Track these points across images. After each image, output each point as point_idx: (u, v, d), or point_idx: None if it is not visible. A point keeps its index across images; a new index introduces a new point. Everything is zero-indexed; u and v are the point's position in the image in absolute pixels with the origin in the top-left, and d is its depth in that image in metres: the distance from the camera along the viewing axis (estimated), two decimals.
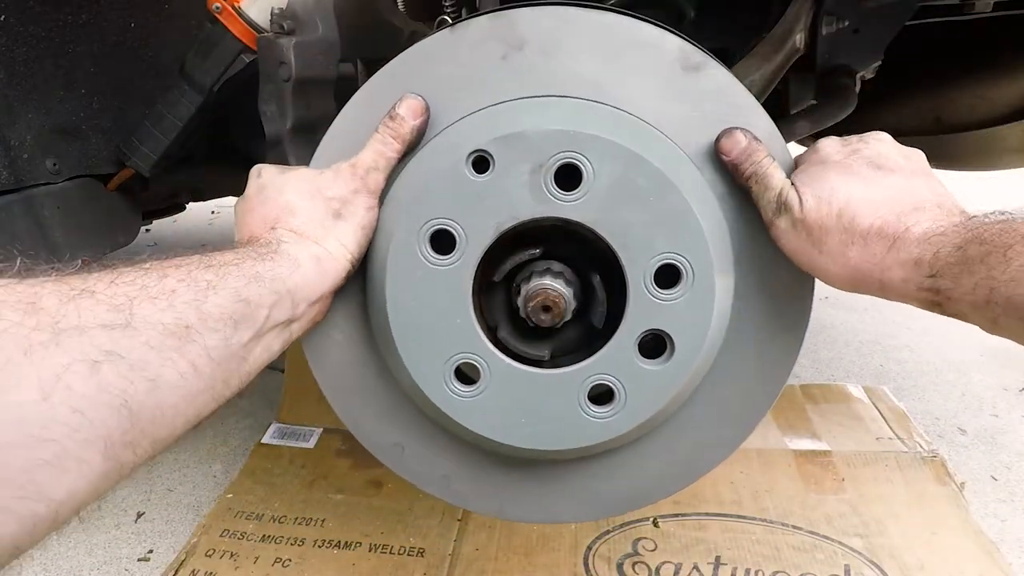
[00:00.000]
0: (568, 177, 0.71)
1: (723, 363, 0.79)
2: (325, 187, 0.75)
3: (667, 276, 0.72)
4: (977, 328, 0.65)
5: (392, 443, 0.86)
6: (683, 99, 0.77)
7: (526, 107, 0.76)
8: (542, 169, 0.70)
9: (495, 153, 0.71)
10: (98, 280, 0.49)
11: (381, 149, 0.76)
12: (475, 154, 0.71)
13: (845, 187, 0.69)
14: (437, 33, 0.79)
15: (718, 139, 0.75)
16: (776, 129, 0.78)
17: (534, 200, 0.71)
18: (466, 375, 0.76)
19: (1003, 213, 0.62)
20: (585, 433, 0.76)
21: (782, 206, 0.71)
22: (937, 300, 0.63)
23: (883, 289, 0.67)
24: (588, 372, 0.74)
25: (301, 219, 0.73)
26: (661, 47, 0.76)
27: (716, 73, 0.77)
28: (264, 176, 0.79)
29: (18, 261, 0.49)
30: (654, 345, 0.74)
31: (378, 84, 0.80)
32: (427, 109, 0.77)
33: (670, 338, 0.73)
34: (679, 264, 0.71)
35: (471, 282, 0.73)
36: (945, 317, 0.66)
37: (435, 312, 0.73)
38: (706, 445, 0.85)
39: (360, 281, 0.80)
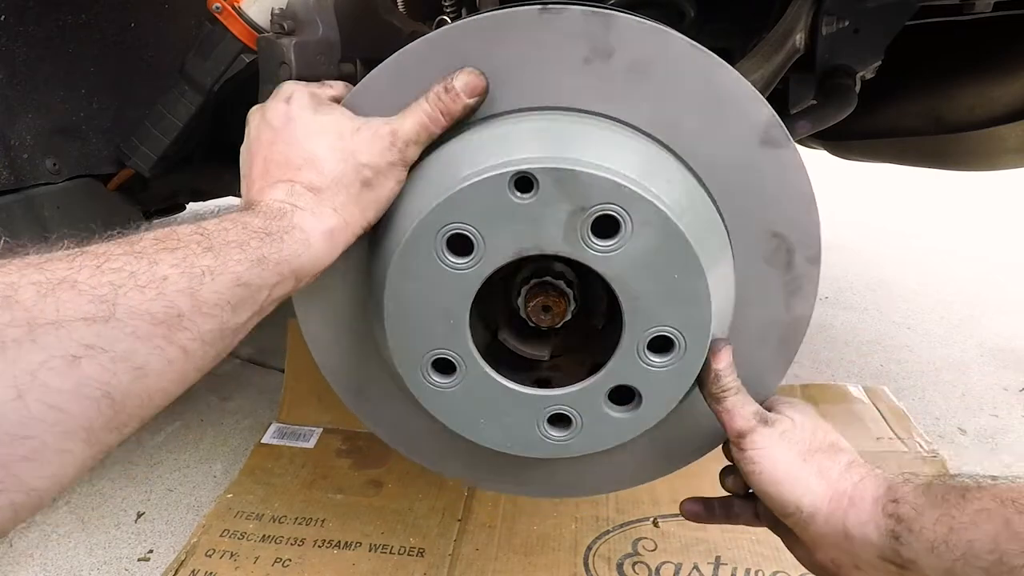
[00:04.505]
0: (604, 225, 0.68)
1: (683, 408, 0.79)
2: (360, 151, 0.69)
3: (661, 344, 0.72)
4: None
5: (354, 386, 0.87)
6: (750, 175, 0.74)
7: (590, 132, 0.72)
8: (583, 213, 0.67)
9: (542, 181, 0.67)
10: (83, 266, 0.47)
11: (426, 122, 0.71)
12: (521, 175, 0.67)
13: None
14: (526, 6, 0.73)
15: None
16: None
17: (564, 240, 0.68)
18: (444, 367, 0.76)
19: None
20: (535, 448, 0.78)
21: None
22: (897, 532, 0.64)
23: (852, 503, 0.68)
24: (554, 401, 0.75)
25: (326, 179, 0.68)
26: (749, 113, 0.73)
27: (790, 156, 0.74)
28: (294, 106, 0.71)
29: (0, 242, 0.48)
30: (623, 392, 0.75)
31: (443, 39, 0.74)
32: (486, 90, 0.71)
33: (640, 395, 0.74)
34: (675, 338, 0.71)
35: (475, 291, 0.71)
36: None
37: (432, 309, 0.72)
38: (654, 462, 0.89)
39: (366, 244, 0.77)
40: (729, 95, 0.73)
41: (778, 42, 1.06)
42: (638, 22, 0.72)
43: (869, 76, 1.24)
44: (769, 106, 0.74)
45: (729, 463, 0.81)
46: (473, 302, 0.72)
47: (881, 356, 2.38)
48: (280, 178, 0.68)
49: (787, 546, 0.78)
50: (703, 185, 0.75)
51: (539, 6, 0.72)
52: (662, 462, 0.89)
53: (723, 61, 0.73)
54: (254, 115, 0.73)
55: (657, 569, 1.34)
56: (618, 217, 0.67)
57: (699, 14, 1.13)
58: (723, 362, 0.74)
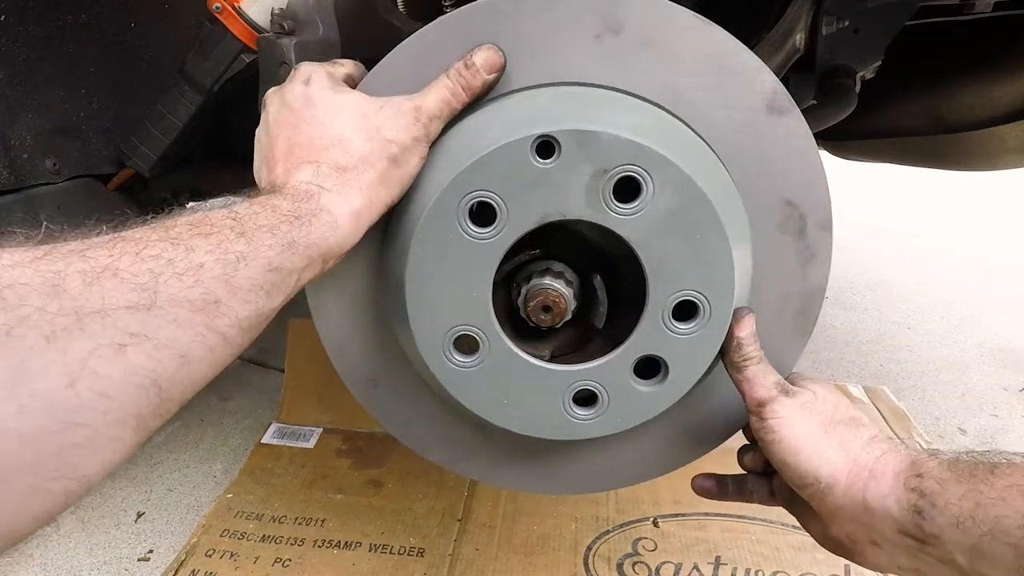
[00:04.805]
0: (625, 188, 0.69)
1: (705, 387, 0.80)
2: (385, 127, 0.69)
3: (685, 309, 0.72)
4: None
5: (367, 380, 0.86)
6: (759, 141, 0.76)
7: (607, 100, 0.74)
8: (605, 175, 0.68)
9: (564, 144, 0.67)
10: (123, 253, 0.47)
11: (448, 98, 0.71)
12: (543, 138, 0.68)
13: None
14: None
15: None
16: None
17: (587, 203, 0.69)
18: (465, 346, 0.75)
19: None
20: (561, 429, 0.77)
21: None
22: (920, 507, 0.63)
23: (872, 476, 0.67)
24: (580, 376, 0.75)
25: (353, 158, 0.68)
26: (754, 82, 0.75)
27: (796, 123, 0.76)
28: (313, 87, 0.70)
29: (43, 229, 0.48)
30: (648, 364, 0.75)
31: (458, 20, 0.75)
32: (504, 66, 0.73)
33: (667, 365, 0.74)
34: (700, 302, 0.71)
35: (498, 261, 0.71)
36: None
37: (455, 281, 0.71)
38: (678, 447, 0.87)
39: (381, 227, 0.76)
40: (735, 65, 0.75)
41: (778, 42, 1.06)
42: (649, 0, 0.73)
43: (869, 76, 1.24)
44: (773, 75, 0.75)
45: (747, 443, 0.80)
46: None
47: (881, 356, 2.38)
48: (305, 159, 0.68)
49: (802, 523, 0.77)
50: (714, 152, 0.76)
51: None
52: (689, 446, 0.87)
53: (728, 33, 0.75)
54: (272, 97, 0.73)
55: (657, 569, 1.34)
56: (639, 178, 0.68)
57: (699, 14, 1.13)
58: (746, 330, 0.73)
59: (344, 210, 0.66)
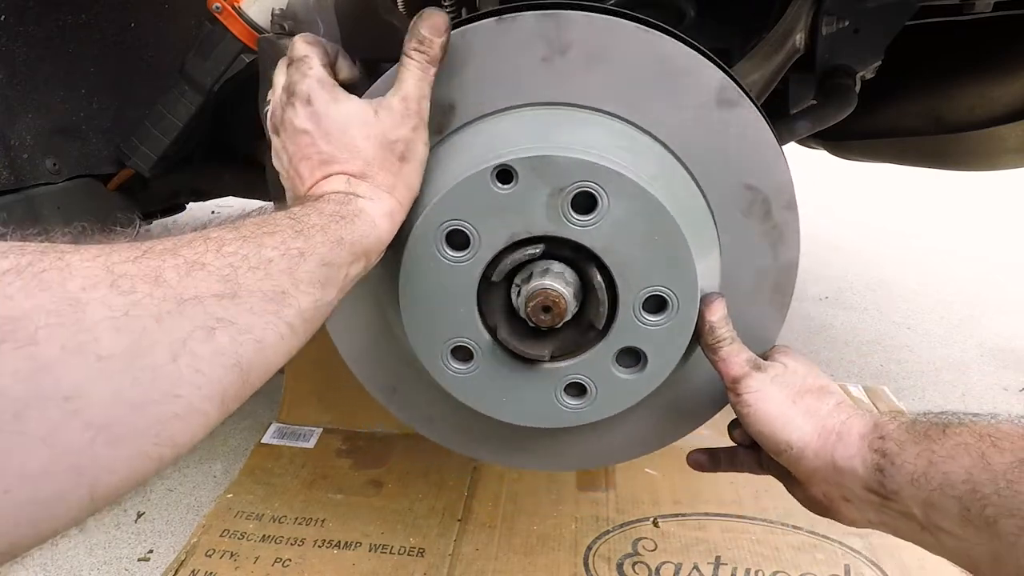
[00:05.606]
0: (584, 201, 0.74)
1: (691, 367, 0.86)
2: (387, 130, 0.74)
3: (655, 303, 0.78)
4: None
5: (386, 385, 0.95)
6: (712, 134, 0.79)
7: (560, 119, 0.79)
8: (562, 193, 0.73)
9: (520, 171, 0.73)
10: (207, 251, 0.54)
11: (422, 75, 0.75)
12: (501, 167, 0.74)
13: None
14: (482, 21, 0.79)
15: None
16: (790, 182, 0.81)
17: (548, 220, 0.75)
18: (461, 355, 0.82)
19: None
20: (556, 419, 0.84)
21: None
22: (882, 465, 0.68)
23: (839, 438, 0.73)
24: (568, 371, 0.82)
25: (372, 166, 0.73)
26: (701, 78, 0.78)
27: (747, 113, 0.79)
28: (318, 104, 0.74)
29: (138, 226, 0.54)
30: (628, 354, 0.81)
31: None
32: (449, 25, 0.75)
33: (645, 355, 0.80)
34: (667, 296, 0.77)
35: (478, 279, 0.78)
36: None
37: (442, 300, 0.79)
38: (671, 423, 0.94)
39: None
40: (682, 66, 0.78)
41: (778, 42, 1.06)
42: (587, 17, 0.77)
43: (869, 76, 1.24)
44: (720, 70, 0.78)
45: (735, 418, 0.85)
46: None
47: (881, 356, 2.38)
48: (330, 172, 0.73)
49: (787, 488, 0.82)
50: (671, 152, 0.80)
51: (495, 17, 0.78)
52: (680, 422, 0.93)
53: (672, 37, 0.78)
54: (278, 125, 0.76)
55: (657, 569, 1.34)
56: (594, 192, 0.73)
57: (699, 14, 1.13)
58: (717, 314, 0.79)
59: (378, 211, 0.72)
